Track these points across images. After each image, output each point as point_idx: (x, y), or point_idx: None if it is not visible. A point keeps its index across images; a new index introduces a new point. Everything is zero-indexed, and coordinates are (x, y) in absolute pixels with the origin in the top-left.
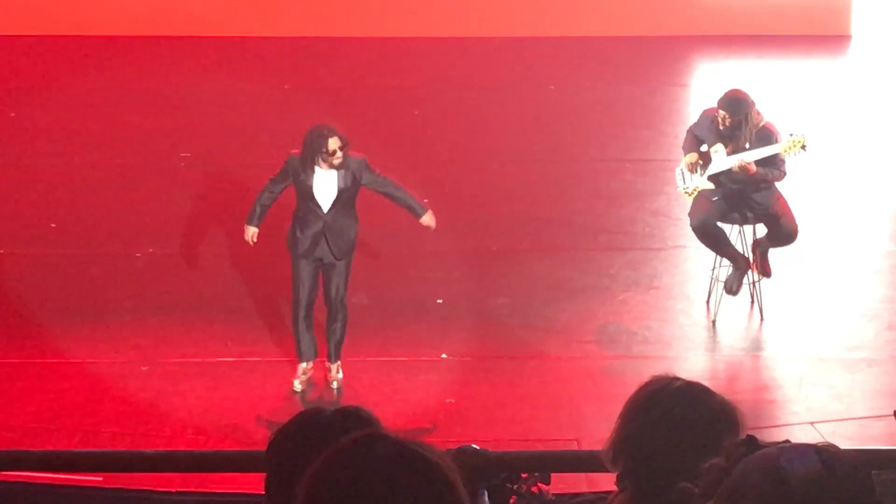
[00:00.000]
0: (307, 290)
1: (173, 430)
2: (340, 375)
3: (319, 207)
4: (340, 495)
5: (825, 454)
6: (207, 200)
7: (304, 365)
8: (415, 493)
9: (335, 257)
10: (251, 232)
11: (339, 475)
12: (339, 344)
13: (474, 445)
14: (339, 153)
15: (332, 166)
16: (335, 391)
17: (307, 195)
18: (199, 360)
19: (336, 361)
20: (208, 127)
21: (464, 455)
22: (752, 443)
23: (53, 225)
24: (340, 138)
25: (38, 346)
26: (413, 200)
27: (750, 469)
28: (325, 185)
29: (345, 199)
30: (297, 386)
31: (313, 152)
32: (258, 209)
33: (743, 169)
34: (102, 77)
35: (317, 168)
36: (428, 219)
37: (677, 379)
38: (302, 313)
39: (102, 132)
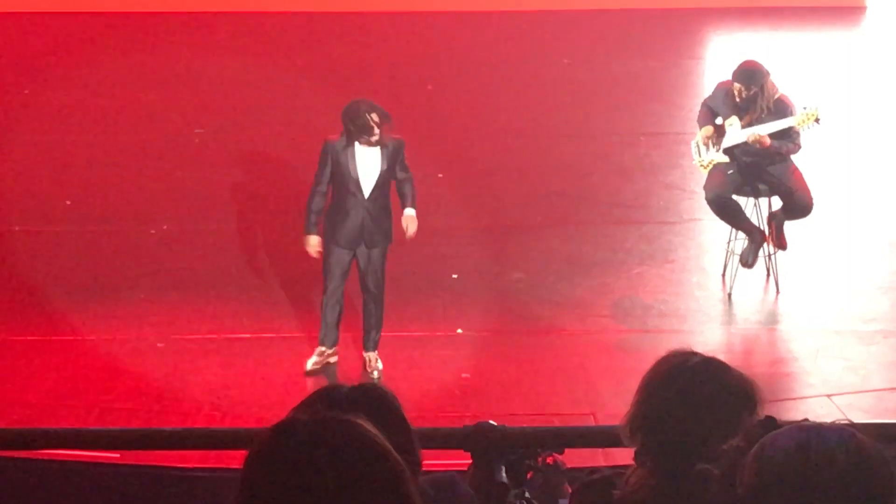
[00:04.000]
0: (338, 279)
1: (189, 407)
2: (381, 365)
3: (361, 191)
4: (278, 478)
5: (812, 428)
6: (222, 176)
7: (321, 348)
8: (351, 467)
9: (368, 246)
10: (314, 241)
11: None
12: (377, 333)
13: (492, 422)
14: (377, 129)
15: (370, 143)
16: (376, 380)
17: (348, 178)
18: (215, 336)
19: (374, 351)
20: (222, 103)
21: (482, 431)
22: (772, 423)
23: (68, 202)
24: (380, 113)
25: (54, 323)
26: (412, 193)
27: (776, 445)
28: (368, 166)
29: (385, 181)
30: (309, 366)
31: (355, 129)
32: (313, 216)
33: (758, 142)
34: (116, 54)
35: (357, 147)
36: (407, 216)
37: (695, 354)
38: (331, 301)
39: (116, 109)
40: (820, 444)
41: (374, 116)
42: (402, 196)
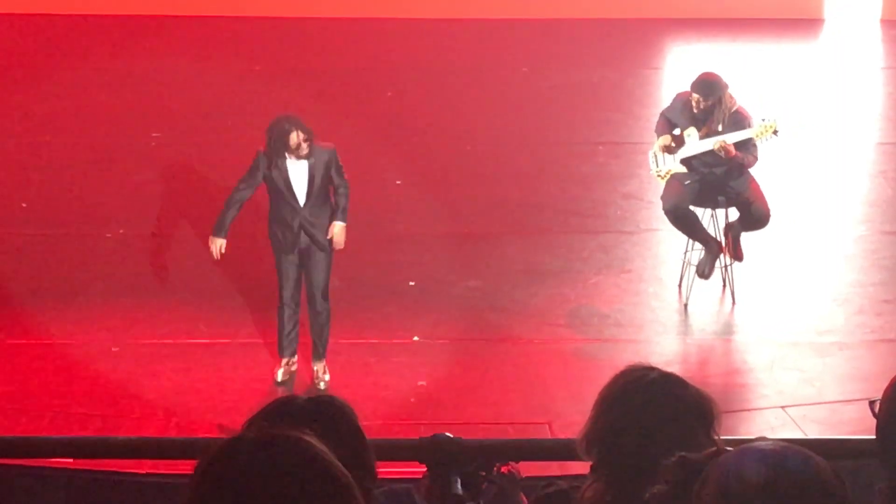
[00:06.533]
0: (292, 287)
1: (144, 412)
2: (328, 377)
3: (296, 200)
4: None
5: (773, 459)
6: (178, 181)
7: (285, 359)
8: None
9: (318, 247)
10: (218, 244)
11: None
12: (324, 342)
13: (448, 434)
14: (304, 145)
15: (298, 157)
16: (322, 391)
17: (283, 189)
18: (170, 341)
19: (322, 361)
20: (179, 107)
21: (438, 443)
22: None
23: (24, 205)
24: (303, 130)
25: (8, 327)
26: (344, 205)
27: (742, 479)
28: (299, 176)
29: (318, 189)
30: (280, 377)
31: (278, 146)
32: (227, 219)
33: (723, 150)
34: (73, 57)
35: (288, 160)
36: (336, 227)
37: (653, 369)
38: (287, 310)
39: (73, 112)
40: (787, 480)
41: (298, 135)
42: (334, 206)
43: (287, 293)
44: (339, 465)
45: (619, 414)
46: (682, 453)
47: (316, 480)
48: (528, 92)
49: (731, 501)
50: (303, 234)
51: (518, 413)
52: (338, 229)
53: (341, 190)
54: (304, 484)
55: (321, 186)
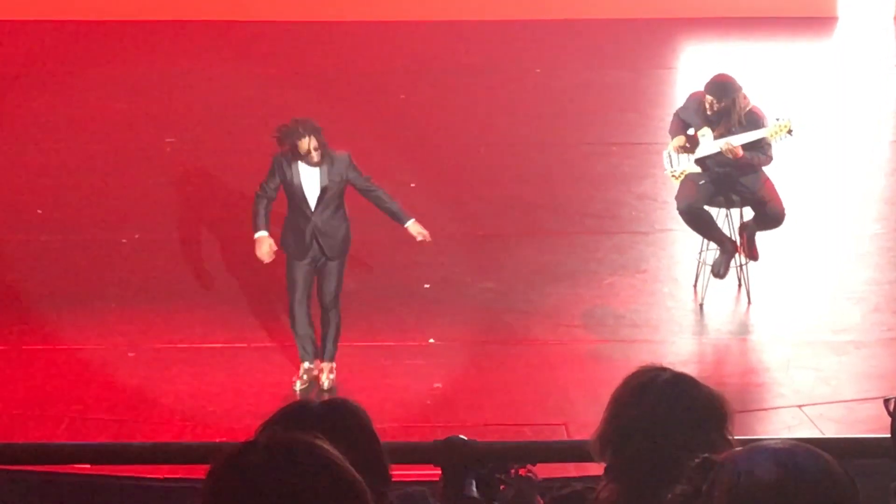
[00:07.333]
0: (302, 291)
1: (160, 417)
2: (333, 376)
3: (307, 206)
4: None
5: (784, 457)
6: (193, 185)
7: (305, 365)
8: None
9: (327, 257)
10: (266, 236)
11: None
12: (333, 344)
13: (462, 436)
14: (315, 153)
15: (311, 164)
16: (326, 392)
17: (294, 193)
18: (186, 345)
19: (330, 362)
20: (193, 112)
21: (452, 446)
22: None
23: (39, 211)
24: (316, 137)
25: (24, 333)
26: (398, 206)
27: (754, 480)
28: (311, 182)
29: (330, 196)
30: (298, 385)
31: (290, 151)
32: (261, 215)
33: (730, 152)
34: (87, 62)
35: (301, 165)
36: (414, 226)
37: (665, 370)
38: (298, 314)
39: (87, 117)
40: (798, 478)
41: (309, 141)
42: (391, 215)
43: (297, 298)
44: (352, 469)
45: (631, 415)
46: (706, 454)
47: (328, 485)
48: (542, 93)
49: (742, 501)
50: (313, 242)
51: (534, 414)
52: (414, 225)
53: (381, 195)
54: (317, 488)
55: (334, 194)
